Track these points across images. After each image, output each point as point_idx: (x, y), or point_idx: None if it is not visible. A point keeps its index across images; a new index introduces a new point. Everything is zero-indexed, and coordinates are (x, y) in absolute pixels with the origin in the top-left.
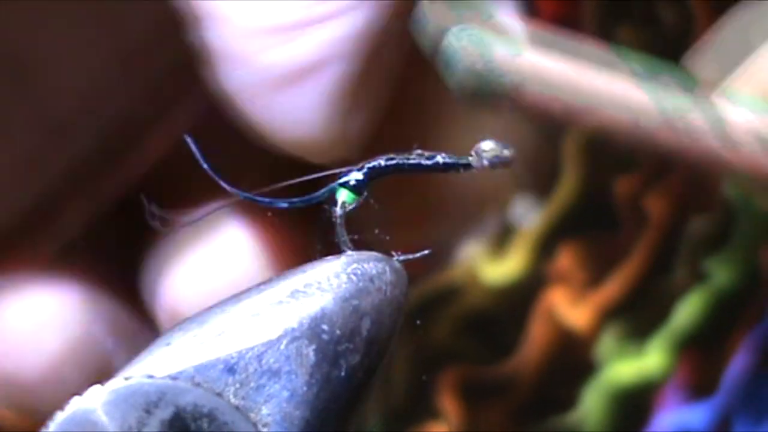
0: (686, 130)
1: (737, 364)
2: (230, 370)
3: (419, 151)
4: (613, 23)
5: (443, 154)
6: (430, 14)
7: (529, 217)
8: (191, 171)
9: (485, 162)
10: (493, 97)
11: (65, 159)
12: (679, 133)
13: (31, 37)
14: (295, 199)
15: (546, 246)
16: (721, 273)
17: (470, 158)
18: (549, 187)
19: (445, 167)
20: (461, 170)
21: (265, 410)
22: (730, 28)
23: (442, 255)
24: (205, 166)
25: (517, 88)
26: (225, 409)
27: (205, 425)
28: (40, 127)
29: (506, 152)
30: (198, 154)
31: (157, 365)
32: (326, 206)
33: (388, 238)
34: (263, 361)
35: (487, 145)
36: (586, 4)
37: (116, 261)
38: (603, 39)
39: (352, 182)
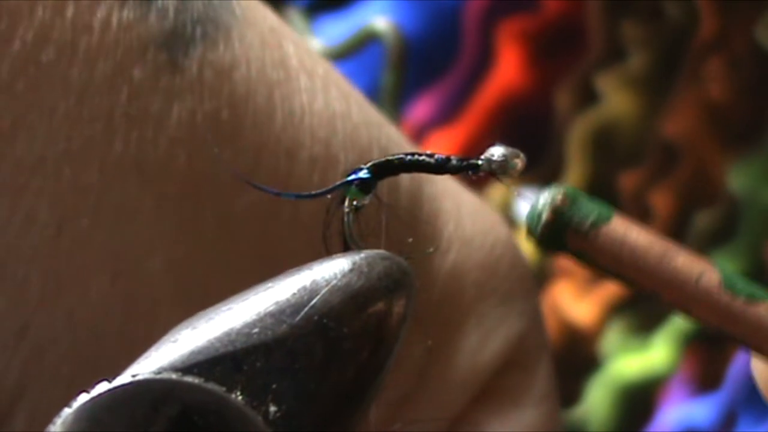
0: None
1: (742, 359)
2: (237, 367)
3: (429, 152)
4: (617, 19)
5: (454, 156)
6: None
7: None
8: None
9: (495, 167)
10: (569, 233)
11: None
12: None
13: None
14: (303, 193)
15: None
16: (726, 267)
17: (480, 162)
18: (553, 182)
19: (455, 169)
20: (471, 173)
21: (272, 407)
22: None
23: None
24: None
25: (597, 227)
26: (232, 407)
27: (212, 422)
28: None
29: (517, 160)
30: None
31: (165, 362)
32: (335, 203)
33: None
34: (271, 359)
35: (498, 151)
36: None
37: None
38: (608, 35)
39: (361, 180)
